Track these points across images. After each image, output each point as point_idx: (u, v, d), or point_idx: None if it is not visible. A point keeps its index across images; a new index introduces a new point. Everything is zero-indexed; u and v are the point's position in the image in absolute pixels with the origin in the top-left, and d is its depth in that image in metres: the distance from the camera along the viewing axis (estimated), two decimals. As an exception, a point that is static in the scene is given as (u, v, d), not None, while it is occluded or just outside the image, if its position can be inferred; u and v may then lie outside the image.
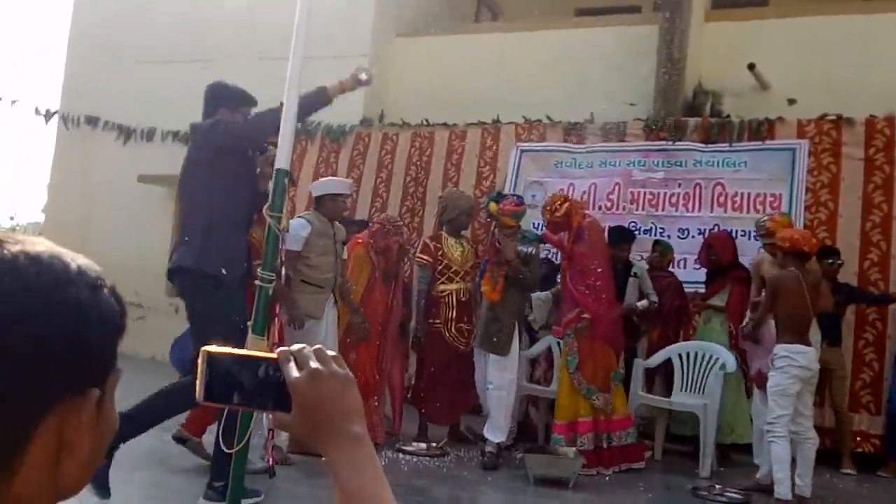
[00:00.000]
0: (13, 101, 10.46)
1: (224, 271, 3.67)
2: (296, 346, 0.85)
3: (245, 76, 9.67)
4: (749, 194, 7.21)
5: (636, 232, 7.45)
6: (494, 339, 5.00)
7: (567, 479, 4.62)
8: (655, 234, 7.32)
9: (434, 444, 5.47)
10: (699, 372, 5.64)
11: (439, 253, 6.03)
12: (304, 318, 4.73)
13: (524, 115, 8.27)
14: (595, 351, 5.03)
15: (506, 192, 7.94)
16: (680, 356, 5.81)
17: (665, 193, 7.52)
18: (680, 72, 7.86)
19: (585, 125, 8.00)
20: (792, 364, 4.60)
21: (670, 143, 7.59)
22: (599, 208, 7.69)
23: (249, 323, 3.06)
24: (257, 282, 3.04)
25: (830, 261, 6.12)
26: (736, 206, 7.19)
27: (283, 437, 4.67)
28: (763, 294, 5.01)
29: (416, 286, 6.00)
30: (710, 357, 5.61)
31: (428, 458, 5.24)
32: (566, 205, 5.23)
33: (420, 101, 9.00)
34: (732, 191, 7.26)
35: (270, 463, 4.17)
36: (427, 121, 8.72)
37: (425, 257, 6.02)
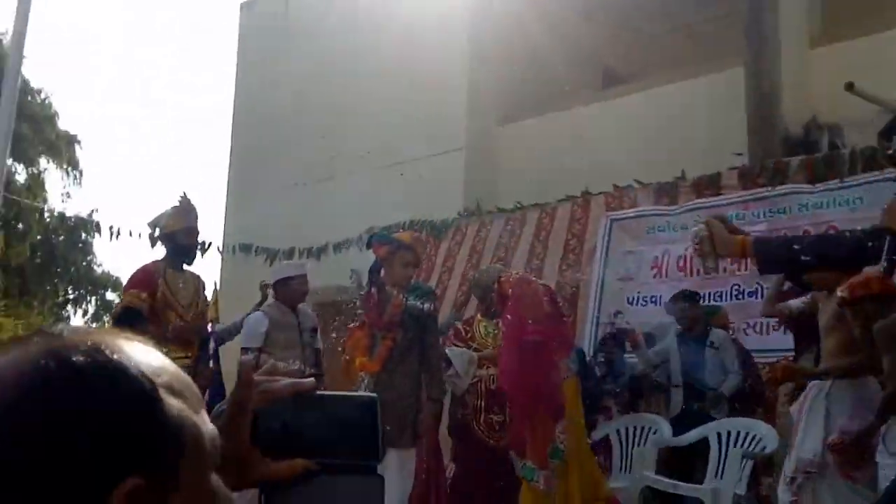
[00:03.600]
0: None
1: None
2: None
3: (364, 187, 10.11)
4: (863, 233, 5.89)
5: (740, 295, 6.42)
6: (388, 428, 4.16)
7: None
8: (761, 297, 6.18)
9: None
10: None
11: (468, 336, 5.52)
12: None
13: (615, 182, 7.59)
14: (530, 423, 4.13)
15: (595, 265, 7.26)
16: (719, 434, 4.67)
17: (769, 247, 6.38)
18: (773, 108, 6.80)
19: (676, 183, 7.14)
20: None
21: (770, 188, 6.50)
22: (698, 273, 6.69)
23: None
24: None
25: None
26: (852, 250, 5.88)
27: None
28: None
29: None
30: (752, 437, 4.45)
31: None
32: (497, 284, 4.55)
33: (516, 186, 8.66)
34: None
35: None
36: (520, 203, 8.32)
37: (457, 342, 5.53)
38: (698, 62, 8.07)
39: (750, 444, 4.53)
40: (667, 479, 4.67)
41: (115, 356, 0.58)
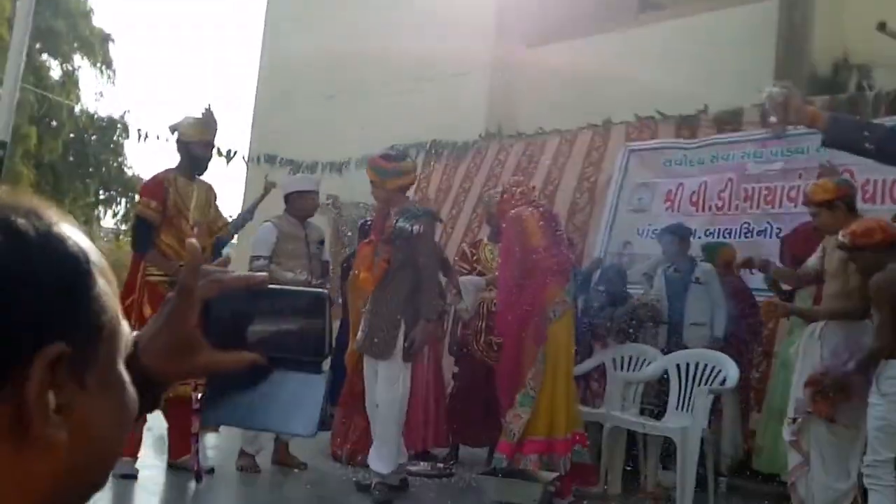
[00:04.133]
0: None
1: None
2: None
3: (389, 105, 10.09)
4: (885, 181, 5.83)
5: (749, 234, 6.43)
6: (375, 340, 4.29)
7: (526, 506, 3.98)
8: (771, 237, 6.20)
9: (441, 465, 5.04)
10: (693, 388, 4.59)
11: (474, 259, 5.64)
12: None
13: (637, 112, 7.52)
14: (512, 361, 4.26)
15: (609, 195, 7.29)
16: (678, 367, 4.78)
17: (783, 187, 6.36)
18: (803, 44, 6.65)
19: (698, 116, 7.07)
20: None
21: (791, 127, 6.40)
22: (709, 209, 6.72)
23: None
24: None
25: None
26: (868, 195, 5.82)
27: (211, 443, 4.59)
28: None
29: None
30: (712, 368, 4.56)
31: (428, 479, 4.82)
32: (498, 199, 4.59)
33: (538, 110, 8.62)
34: (863, 178, 5.88)
35: (196, 468, 4.11)
36: (542, 129, 8.29)
37: (463, 264, 5.65)
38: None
39: (710, 376, 4.62)
40: (635, 419, 4.78)
41: (54, 226, 0.58)
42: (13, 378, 0.53)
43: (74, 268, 0.58)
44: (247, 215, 5.30)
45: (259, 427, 0.89)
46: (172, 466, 4.43)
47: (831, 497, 3.70)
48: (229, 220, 5.08)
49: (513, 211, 4.45)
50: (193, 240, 0.83)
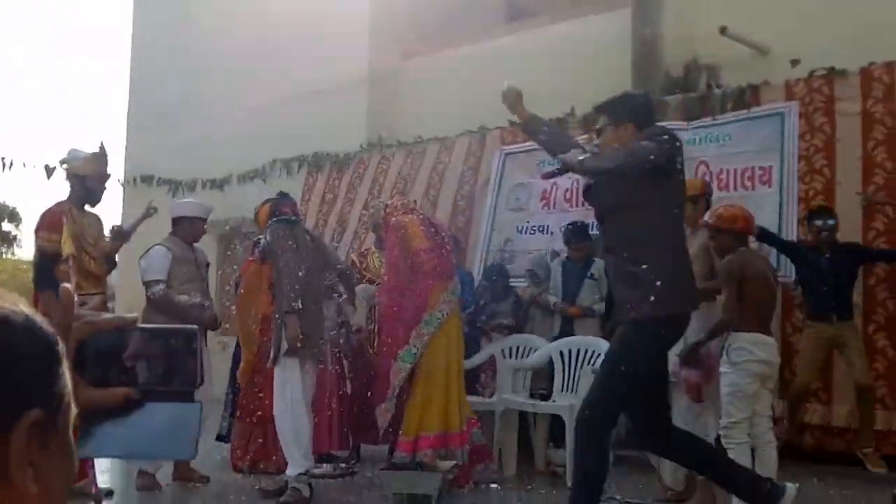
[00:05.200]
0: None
1: None
2: None
3: (268, 118, 10.09)
4: (735, 170, 6.38)
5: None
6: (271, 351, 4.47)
7: (428, 496, 4.16)
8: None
9: (343, 465, 5.15)
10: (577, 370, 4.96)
11: (363, 266, 5.82)
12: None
13: (510, 118, 7.85)
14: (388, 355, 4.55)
15: (488, 197, 7.60)
16: (561, 353, 5.16)
17: (648, 181, 6.81)
18: (655, 49, 7.18)
19: (566, 119, 7.47)
20: (750, 359, 3.81)
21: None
22: (582, 205, 7.07)
23: None
24: None
25: (820, 222, 5.29)
26: (722, 184, 6.35)
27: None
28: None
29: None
30: (592, 352, 4.95)
31: (332, 480, 4.91)
32: (383, 210, 4.86)
33: (417, 120, 8.86)
34: (717, 168, 6.45)
35: (94, 490, 4.07)
36: (420, 137, 8.54)
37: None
38: (593, 2, 8.35)
39: (591, 358, 4.99)
40: (525, 400, 5.10)
41: (29, 315, 0.68)
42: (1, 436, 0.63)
43: (49, 349, 0.68)
44: (125, 236, 5.26)
45: (139, 455, 0.97)
46: (70, 492, 4.34)
47: None
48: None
49: (394, 219, 4.68)
50: (68, 284, 0.94)
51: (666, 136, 3.37)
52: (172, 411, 0.87)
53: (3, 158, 10.15)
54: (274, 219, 4.59)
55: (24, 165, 10.03)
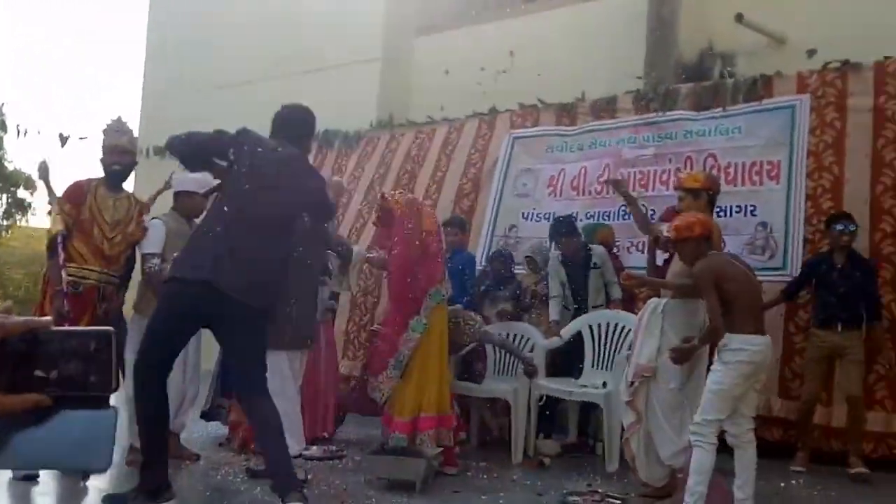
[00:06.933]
0: (82, 138, 11.25)
1: None
2: None
3: (280, 93, 10.06)
4: (744, 164, 6.28)
5: (626, 216, 6.76)
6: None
7: (412, 481, 4.18)
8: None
9: (333, 448, 5.17)
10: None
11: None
12: None
13: (521, 101, 7.80)
14: (390, 333, 4.51)
15: (495, 181, 7.54)
16: (590, 328, 5.20)
17: (655, 171, 6.73)
18: (669, 35, 7.06)
19: (576, 104, 7.39)
20: (743, 360, 3.73)
21: (660, 114, 6.81)
22: (589, 193, 7.05)
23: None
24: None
25: (841, 227, 5.19)
26: (729, 178, 6.26)
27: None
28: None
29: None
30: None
31: (320, 462, 4.94)
32: (381, 200, 4.76)
33: (428, 100, 8.81)
34: (725, 161, 6.35)
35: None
36: (431, 118, 8.48)
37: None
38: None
39: (622, 335, 4.98)
40: (562, 387, 5.10)
41: None
42: None
43: None
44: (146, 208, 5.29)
45: (51, 466, 0.92)
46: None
47: (673, 450, 4.05)
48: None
49: (408, 196, 4.67)
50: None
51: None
52: (86, 419, 0.84)
53: (18, 125, 10.28)
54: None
55: (39, 133, 10.15)
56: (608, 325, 5.21)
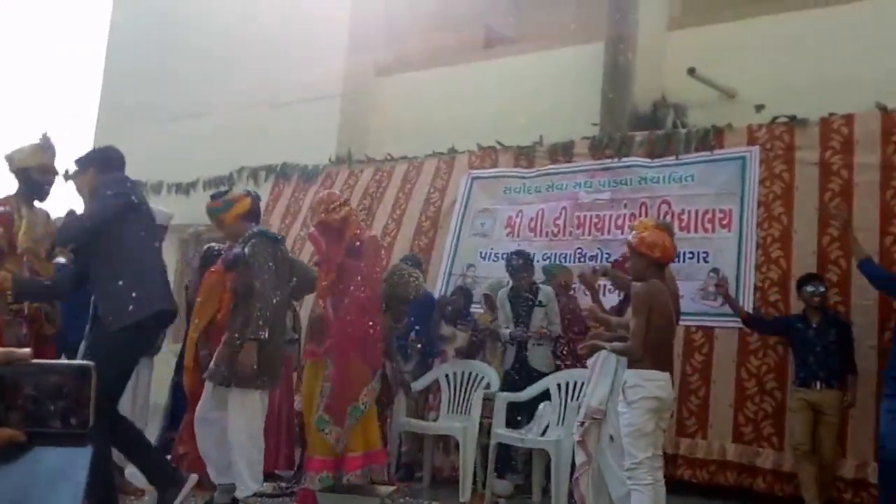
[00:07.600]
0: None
1: None
2: None
3: (238, 127, 10.04)
4: (696, 211, 6.45)
5: (582, 258, 6.88)
6: (221, 368, 4.22)
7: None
8: (602, 260, 6.66)
9: (283, 485, 5.08)
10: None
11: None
12: None
13: (479, 142, 7.91)
14: (344, 378, 4.38)
15: (453, 220, 7.58)
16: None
17: (611, 216, 6.87)
18: (625, 84, 7.26)
19: (535, 147, 7.52)
20: (646, 395, 3.78)
21: (616, 160, 6.97)
22: (546, 234, 7.15)
23: None
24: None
25: (811, 289, 5.30)
26: (683, 225, 6.42)
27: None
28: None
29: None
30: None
31: (270, 500, 4.84)
32: (345, 209, 4.50)
33: (387, 138, 8.89)
34: (679, 208, 6.52)
35: None
36: (390, 155, 8.54)
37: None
38: (567, 33, 8.44)
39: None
40: (514, 434, 5.17)
41: None
42: None
43: None
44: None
45: None
46: None
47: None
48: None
49: (369, 233, 4.63)
50: None
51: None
52: (60, 458, 0.80)
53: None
54: (257, 230, 4.39)
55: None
56: (574, 383, 5.23)
